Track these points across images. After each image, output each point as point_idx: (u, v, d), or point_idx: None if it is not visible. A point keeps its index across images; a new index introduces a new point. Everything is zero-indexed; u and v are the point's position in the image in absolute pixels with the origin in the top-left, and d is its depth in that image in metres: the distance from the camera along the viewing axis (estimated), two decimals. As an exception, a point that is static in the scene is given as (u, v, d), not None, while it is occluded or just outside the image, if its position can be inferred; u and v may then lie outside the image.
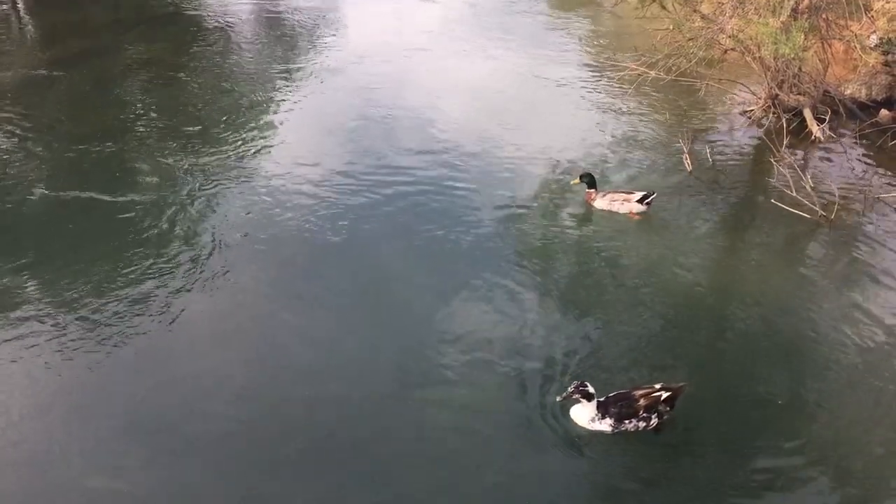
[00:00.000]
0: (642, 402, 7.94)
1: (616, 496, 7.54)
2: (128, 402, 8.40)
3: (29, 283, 10.22)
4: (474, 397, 8.46)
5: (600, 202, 12.07)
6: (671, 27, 14.55)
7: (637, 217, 11.93)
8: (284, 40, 19.73)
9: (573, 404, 8.05)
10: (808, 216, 11.89)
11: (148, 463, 7.72)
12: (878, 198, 12.58)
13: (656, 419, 8.00)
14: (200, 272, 10.45)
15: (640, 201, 11.89)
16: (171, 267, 10.56)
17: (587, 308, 9.96)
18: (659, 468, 7.78)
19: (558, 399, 8.06)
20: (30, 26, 20.99)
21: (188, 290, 10.12)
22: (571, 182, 12.38)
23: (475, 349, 9.13)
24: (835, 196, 12.25)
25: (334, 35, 20.34)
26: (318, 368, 8.94)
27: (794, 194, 12.11)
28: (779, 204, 12.20)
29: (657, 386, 8.06)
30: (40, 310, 9.72)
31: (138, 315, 9.65)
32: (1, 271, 10.41)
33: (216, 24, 20.63)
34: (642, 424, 7.98)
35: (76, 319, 9.56)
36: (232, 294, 10.13)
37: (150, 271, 10.47)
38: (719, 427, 8.23)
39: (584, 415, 7.99)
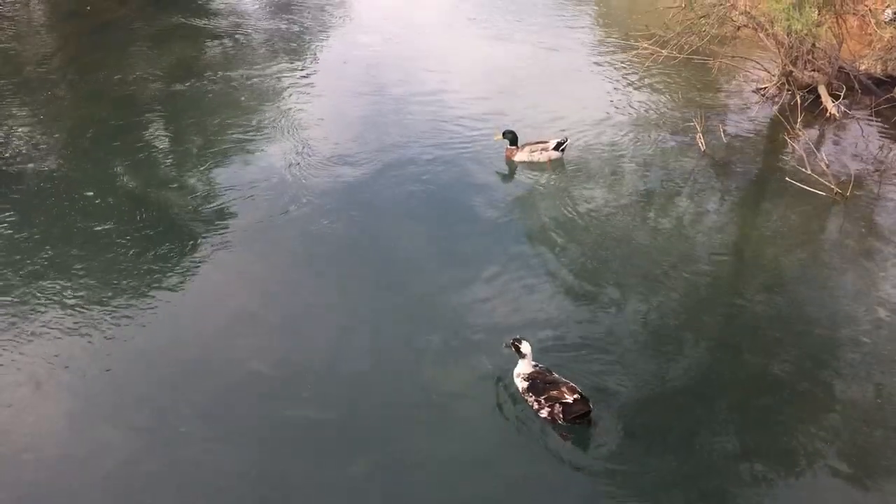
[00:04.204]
0: (550, 392, 7.90)
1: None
2: (138, 379, 8.50)
3: (44, 264, 10.34)
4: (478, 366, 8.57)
5: (520, 155, 12.72)
6: (683, 5, 14.42)
7: (548, 165, 12.60)
8: (294, 21, 19.68)
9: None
10: (824, 193, 11.81)
11: (164, 439, 7.80)
12: (893, 174, 12.47)
13: (546, 413, 7.88)
14: (209, 253, 10.49)
15: (556, 148, 12.62)
16: (177, 249, 10.60)
17: (601, 284, 9.95)
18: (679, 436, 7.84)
19: (504, 347, 8.37)
20: (39, 10, 21.09)
21: (196, 272, 10.19)
22: (494, 138, 12.86)
23: (485, 325, 9.19)
24: (850, 173, 12.16)
25: (347, 16, 20.35)
26: (332, 344, 9.00)
27: (809, 172, 12.01)
28: (793, 182, 12.12)
29: (567, 395, 7.80)
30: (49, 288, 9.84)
31: (150, 289, 9.74)
32: (19, 244, 10.55)
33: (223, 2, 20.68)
34: (535, 406, 7.96)
35: (93, 297, 9.67)
36: (243, 273, 10.20)
37: (160, 249, 10.53)
38: (735, 401, 8.24)
39: (518, 368, 8.26)
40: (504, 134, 12.75)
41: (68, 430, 7.98)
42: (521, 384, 8.16)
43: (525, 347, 8.19)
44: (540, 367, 8.23)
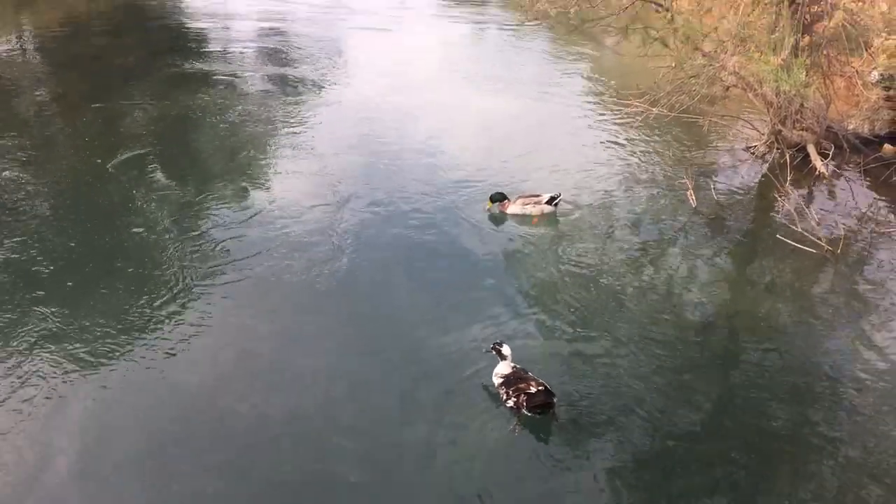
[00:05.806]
0: (518, 384, 8.51)
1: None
2: (132, 429, 8.36)
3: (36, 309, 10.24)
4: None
5: (513, 208, 12.93)
6: (673, 65, 14.68)
7: (536, 222, 12.72)
8: (286, 76, 19.95)
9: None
10: (814, 251, 11.86)
11: (148, 485, 7.65)
12: (883, 232, 12.56)
13: (512, 402, 8.48)
14: (197, 303, 10.37)
15: (549, 202, 12.86)
16: (164, 298, 10.47)
17: (592, 338, 9.87)
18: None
19: (484, 351, 9.18)
20: (37, 58, 21.36)
21: (183, 321, 10.05)
22: (486, 207, 13.01)
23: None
24: (840, 231, 12.24)
25: (337, 68, 20.69)
26: (328, 395, 8.86)
27: (800, 229, 12.09)
28: (784, 239, 12.18)
29: (532, 387, 8.39)
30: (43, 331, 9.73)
31: (133, 344, 9.57)
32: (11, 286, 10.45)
33: (218, 50, 20.95)
34: (504, 397, 8.61)
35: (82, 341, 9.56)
36: (232, 323, 10.06)
37: (147, 300, 10.39)
38: (727, 455, 8.13)
39: (497, 368, 8.89)
40: (491, 200, 12.96)
41: (62, 471, 7.84)
42: (498, 381, 8.80)
43: (506, 350, 8.95)
44: (517, 368, 8.84)
